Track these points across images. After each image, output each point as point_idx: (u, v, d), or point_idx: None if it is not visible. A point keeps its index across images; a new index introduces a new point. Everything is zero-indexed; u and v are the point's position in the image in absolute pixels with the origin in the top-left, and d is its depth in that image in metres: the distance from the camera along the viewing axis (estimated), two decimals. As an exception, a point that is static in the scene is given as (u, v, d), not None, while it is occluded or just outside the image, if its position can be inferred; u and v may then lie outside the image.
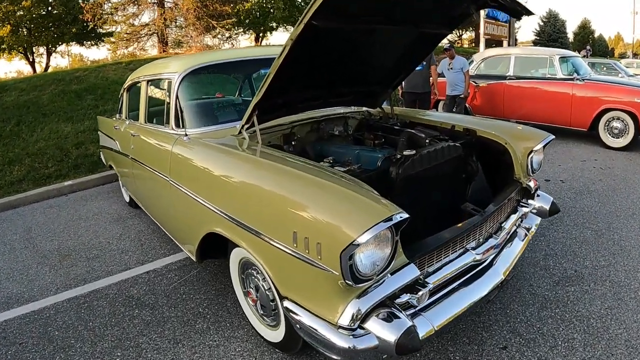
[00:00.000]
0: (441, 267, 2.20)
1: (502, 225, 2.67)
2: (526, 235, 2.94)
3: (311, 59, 2.61)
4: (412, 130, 3.05)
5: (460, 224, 2.32)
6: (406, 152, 2.42)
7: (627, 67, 16.23)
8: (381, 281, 1.85)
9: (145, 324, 3.07)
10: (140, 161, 3.88)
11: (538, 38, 30.45)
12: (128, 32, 20.37)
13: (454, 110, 8.36)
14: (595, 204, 4.87)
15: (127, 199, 5.65)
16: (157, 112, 3.65)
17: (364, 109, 3.82)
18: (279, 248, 2.02)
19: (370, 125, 3.55)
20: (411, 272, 1.93)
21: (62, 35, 24.13)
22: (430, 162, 2.53)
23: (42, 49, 27.26)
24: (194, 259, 2.97)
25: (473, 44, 34.83)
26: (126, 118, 4.72)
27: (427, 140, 2.84)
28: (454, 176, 2.80)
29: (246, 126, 2.79)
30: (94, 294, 3.57)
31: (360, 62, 3.00)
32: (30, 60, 26.17)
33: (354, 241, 1.64)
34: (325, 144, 3.22)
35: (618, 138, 7.24)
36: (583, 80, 7.54)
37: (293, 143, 3.08)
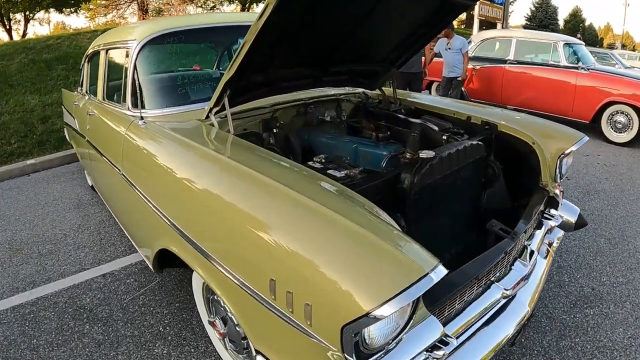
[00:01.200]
0: (464, 308, 1.70)
1: (527, 245, 2.18)
2: (548, 251, 2.48)
3: (299, 27, 2.08)
4: (426, 123, 2.53)
5: (487, 251, 1.82)
6: (423, 154, 1.91)
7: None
8: (392, 348, 1.33)
9: (96, 344, 2.55)
10: (95, 145, 3.30)
11: (529, 23, 29.94)
12: (106, -2, 19.25)
13: (449, 93, 7.84)
14: (604, 206, 4.54)
15: (90, 182, 5.04)
16: (118, 88, 3.05)
17: (360, 90, 3.28)
18: (249, 294, 1.46)
19: (368, 111, 3.02)
20: (432, 329, 1.42)
21: (39, 0, 22.66)
22: (451, 167, 2.03)
23: (19, 16, 25.70)
24: (151, 267, 2.43)
25: (463, 25, 34.18)
26: (86, 93, 4.09)
27: (444, 137, 2.33)
28: (473, 182, 2.31)
29: (215, 109, 2.24)
30: (42, 301, 3.03)
31: (362, 34, 2.44)
32: (7, 27, 24.64)
33: (368, 314, 1.09)
34: (314, 133, 2.71)
35: (621, 133, 6.86)
36: (588, 69, 7.10)
37: (275, 131, 2.55)
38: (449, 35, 7.60)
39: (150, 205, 2.12)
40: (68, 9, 24.55)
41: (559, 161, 2.55)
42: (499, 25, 14.86)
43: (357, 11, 2.24)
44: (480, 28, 13.18)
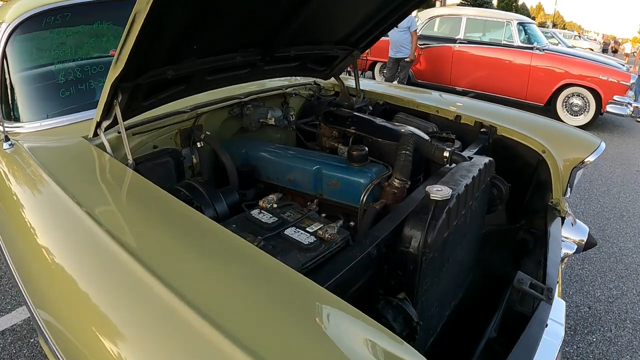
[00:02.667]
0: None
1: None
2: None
3: None
4: (415, 130, 1.83)
5: (527, 332, 1.22)
6: (436, 193, 1.16)
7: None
8: None
9: None
10: None
11: (464, 1, 30.00)
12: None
13: (396, 75, 7.23)
14: (577, 201, 4.34)
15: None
16: None
17: (311, 80, 2.55)
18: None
19: (328, 111, 2.27)
20: None
21: None
22: (466, 203, 1.38)
23: None
24: None
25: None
26: None
27: (446, 154, 1.63)
28: (480, 213, 1.68)
29: (105, 123, 1.49)
30: None
31: (318, 6, 1.68)
32: None
33: None
34: (254, 145, 1.97)
35: (577, 116, 6.60)
36: (543, 50, 6.73)
37: (199, 145, 1.84)
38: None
39: (9, 266, 1.39)
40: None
41: (572, 173, 2.02)
42: (437, 4, 14.56)
43: None
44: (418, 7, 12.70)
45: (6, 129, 1.78)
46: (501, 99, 7.17)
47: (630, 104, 6.25)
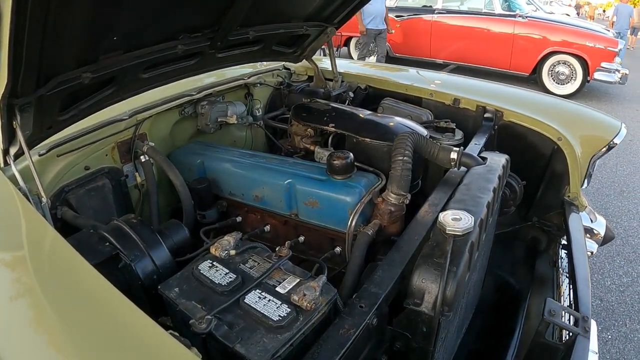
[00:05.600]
0: None
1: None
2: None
3: None
4: (410, 123, 1.48)
5: None
6: (455, 225, 0.81)
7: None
8: None
9: None
10: None
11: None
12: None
13: (373, 51, 6.77)
14: None
15: None
16: None
17: (280, 64, 2.17)
18: None
19: (297, 100, 1.90)
20: None
21: None
22: (487, 225, 1.07)
23: None
24: None
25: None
26: None
27: (453, 155, 1.28)
28: (492, 223, 1.36)
29: (13, 150, 1.18)
30: None
31: None
32: None
33: None
34: (211, 155, 1.60)
35: (564, 85, 6.33)
36: (526, 17, 6.41)
37: (143, 159, 1.50)
38: None
39: None
40: None
41: (591, 162, 1.76)
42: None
43: None
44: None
45: None
46: (484, 70, 6.88)
47: (618, 71, 6.01)
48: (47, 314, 0.74)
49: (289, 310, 0.84)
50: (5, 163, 1.20)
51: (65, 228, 1.27)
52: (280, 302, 0.86)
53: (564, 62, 6.24)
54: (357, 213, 1.22)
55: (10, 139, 1.15)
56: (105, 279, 0.78)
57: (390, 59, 7.35)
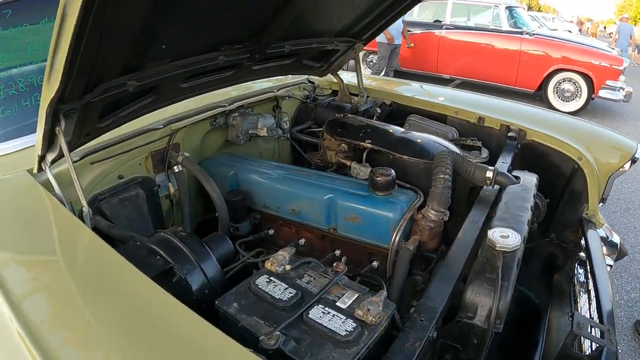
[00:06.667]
0: None
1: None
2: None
3: None
4: (446, 143, 1.53)
5: None
6: (504, 242, 0.87)
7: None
8: None
9: None
10: None
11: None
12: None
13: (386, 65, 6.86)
14: None
15: None
16: None
17: (304, 78, 2.21)
18: None
19: (327, 115, 1.94)
20: None
21: None
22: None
23: None
24: None
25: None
26: None
27: (489, 175, 1.32)
28: None
29: (51, 156, 1.17)
30: None
31: None
32: None
33: None
34: (245, 167, 1.62)
35: (569, 102, 6.41)
36: (533, 34, 6.50)
37: (177, 170, 1.50)
38: None
39: None
40: None
41: (609, 181, 1.81)
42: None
43: None
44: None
45: None
46: (490, 86, 6.96)
47: (623, 89, 6.10)
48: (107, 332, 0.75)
49: (355, 325, 0.85)
50: (40, 169, 1.20)
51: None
52: (344, 317, 0.87)
53: (569, 80, 6.32)
54: (401, 229, 1.26)
55: (49, 144, 1.15)
56: (169, 293, 0.79)
57: (397, 73, 7.42)
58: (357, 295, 0.94)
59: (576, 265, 1.81)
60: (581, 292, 1.67)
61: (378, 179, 1.31)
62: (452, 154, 1.36)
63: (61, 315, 0.79)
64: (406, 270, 1.21)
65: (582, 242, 1.70)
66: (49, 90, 0.94)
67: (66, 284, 0.87)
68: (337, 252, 1.39)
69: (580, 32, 20.03)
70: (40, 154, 1.15)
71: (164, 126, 1.50)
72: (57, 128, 1.06)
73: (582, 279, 1.72)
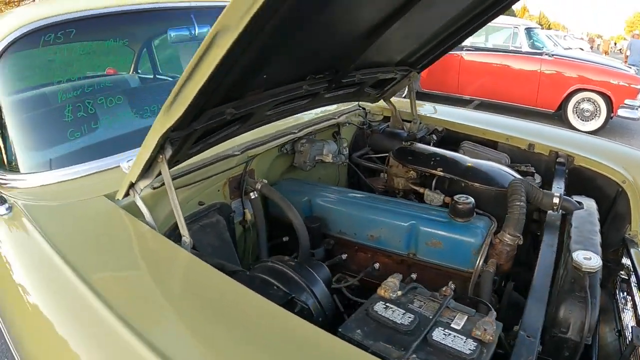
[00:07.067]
0: None
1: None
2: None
3: (313, 13, 1.06)
4: (511, 171, 1.65)
5: None
6: (588, 263, 1.00)
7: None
8: None
9: None
10: None
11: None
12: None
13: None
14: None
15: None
16: None
17: (356, 104, 2.30)
18: None
19: (390, 143, 2.03)
20: None
21: None
22: None
23: None
24: None
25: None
26: None
27: (556, 199, 1.43)
28: None
29: (144, 183, 1.19)
30: None
31: (389, 30, 1.45)
32: None
33: None
34: (319, 194, 1.69)
35: (588, 121, 6.50)
36: (552, 55, 6.63)
37: (253, 196, 1.57)
38: None
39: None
40: None
41: None
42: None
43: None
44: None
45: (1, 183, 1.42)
46: (510, 107, 7.06)
47: (641, 108, 6.20)
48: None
49: (475, 344, 0.91)
50: (126, 195, 1.20)
51: None
52: (464, 337, 0.93)
53: (588, 99, 6.42)
54: (484, 253, 1.35)
55: (145, 172, 1.15)
56: (307, 322, 0.83)
57: (419, 95, 7.58)
58: (466, 317, 1.01)
59: (619, 282, 1.89)
60: (625, 309, 1.75)
61: (460, 206, 1.40)
62: (524, 182, 1.47)
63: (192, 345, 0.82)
64: (490, 291, 1.30)
65: (624, 260, 1.78)
66: (168, 119, 0.97)
67: (193, 317, 0.88)
68: (414, 276, 1.46)
69: (592, 49, 20.14)
70: (133, 181, 1.16)
71: (241, 152, 1.51)
72: (161, 156, 1.09)
73: (625, 295, 1.80)
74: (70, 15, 1.61)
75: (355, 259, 1.59)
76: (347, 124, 2.11)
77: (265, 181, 1.59)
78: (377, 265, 1.53)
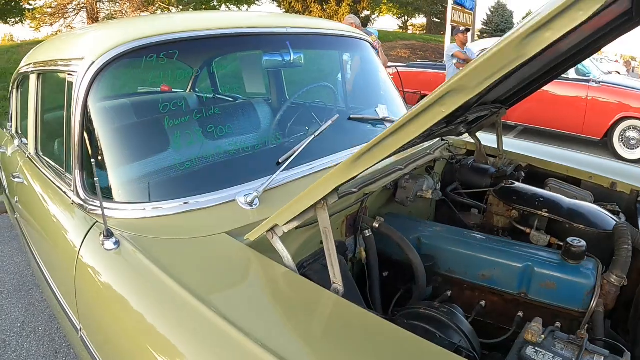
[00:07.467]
0: None
1: None
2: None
3: None
4: (603, 211, 1.67)
5: None
6: None
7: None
8: None
9: None
10: (27, 234, 2.12)
11: (486, 27, 29.96)
12: (52, 5, 16.90)
13: None
14: None
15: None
16: (58, 132, 1.71)
17: (441, 138, 2.29)
18: None
19: (467, 174, 2.06)
20: None
21: (-22, 11, 19.41)
22: None
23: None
24: None
25: (424, 31, 33.72)
26: (17, 133, 2.81)
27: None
28: None
29: (289, 227, 1.16)
30: None
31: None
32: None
33: None
34: (428, 232, 1.70)
35: (634, 149, 6.40)
36: (599, 83, 6.58)
37: (367, 234, 1.59)
38: (465, 41, 6.53)
39: None
40: (12, 19, 20.58)
41: None
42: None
43: None
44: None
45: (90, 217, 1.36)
46: (555, 133, 7.00)
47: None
48: None
49: None
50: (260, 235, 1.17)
51: None
52: None
53: (634, 127, 6.35)
54: (597, 294, 1.36)
55: (295, 214, 1.11)
56: None
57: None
58: (602, 358, 1.06)
59: None
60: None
61: (574, 249, 1.42)
62: (629, 226, 1.50)
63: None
64: (603, 331, 1.33)
65: None
66: (354, 169, 0.96)
67: None
68: (520, 314, 1.48)
69: (628, 72, 19.78)
70: (280, 224, 1.13)
71: (358, 190, 1.43)
72: (323, 202, 1.08)
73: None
74: (171, 36, 1.54)
75: (460, 296, 1.61)
76: (441, 159, 2.13)
77: (382, 219, 1.58)
78: (483, 303, 1.55)
